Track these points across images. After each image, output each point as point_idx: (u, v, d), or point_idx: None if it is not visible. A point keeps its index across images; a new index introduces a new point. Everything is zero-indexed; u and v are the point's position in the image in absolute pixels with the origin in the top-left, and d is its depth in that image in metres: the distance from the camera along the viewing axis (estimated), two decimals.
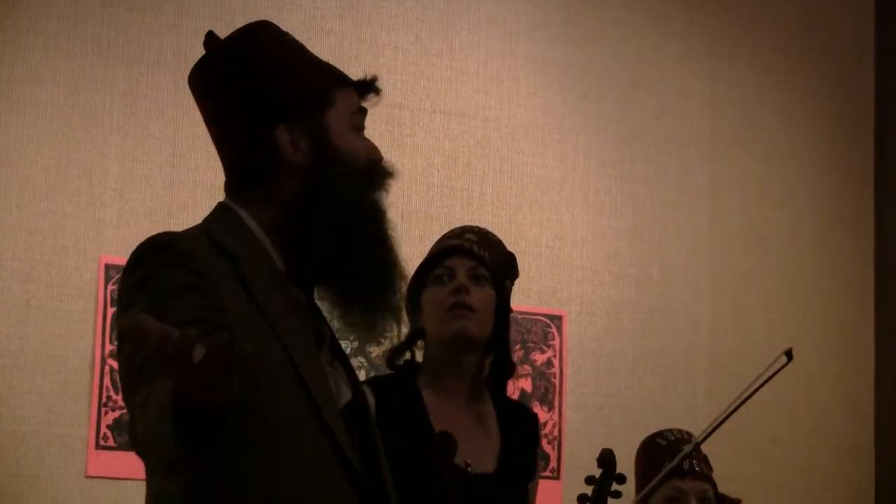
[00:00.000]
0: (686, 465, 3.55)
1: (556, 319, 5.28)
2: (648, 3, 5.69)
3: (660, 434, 3.67)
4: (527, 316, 5.21)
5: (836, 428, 5.81)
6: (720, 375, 5.59)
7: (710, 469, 3.67)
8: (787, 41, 5.95)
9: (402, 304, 2.43)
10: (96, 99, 4.73)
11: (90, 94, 4.72)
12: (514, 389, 5.15)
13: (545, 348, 5.24)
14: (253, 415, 2.11)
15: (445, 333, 3.13)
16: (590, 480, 3.14)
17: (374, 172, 2.37)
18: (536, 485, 3.28)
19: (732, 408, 3.46)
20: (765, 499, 5.53)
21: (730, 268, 5.71)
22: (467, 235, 3.25)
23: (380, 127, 5.09)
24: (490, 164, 5.30)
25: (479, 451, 3.13)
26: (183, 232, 2.27)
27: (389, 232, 2.36)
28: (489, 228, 5.24)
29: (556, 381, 5.25)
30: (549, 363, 5.24)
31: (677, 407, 5.45)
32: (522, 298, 5.20)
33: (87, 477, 4.51)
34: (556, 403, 5.23)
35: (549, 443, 5.16)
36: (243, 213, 2.31)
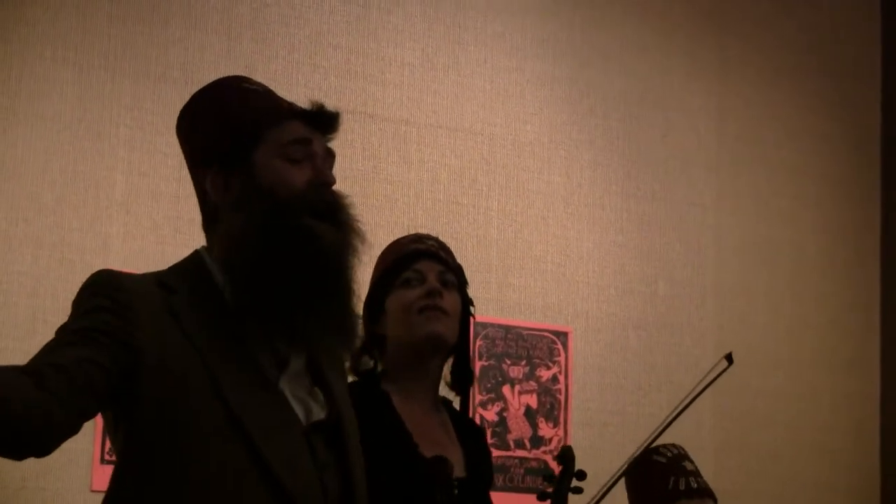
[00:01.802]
0: (694, 483, 3.56)
1: (562, 335, 5.28)
2: (655, 20, 5.70)
3: (655, 451, 3.65)
4: (532, 332, 5.21)
5: (841, 444, 5.80)
6: (725, 391, 5.58)
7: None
8: (794, 58, 5.96)
9: (356, 323, 2.48)
10: (103, 112, 4.73)
11: (97, 108, 4.73)
12: (519, 405, 5.15)
13: (551, 364, 5.24)
14: (168, 434, 2.27)
15: (419, 335, 3.07)
16: (549, 478, 3.15)
17: (308, 199, 2.43)
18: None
19: (675, 413, 3.49)
20: None
21: (735, 284, 5.71)
22: (429, 242, 3.20)
23: (386, 142, 5.09)
24: (496, 180, 5.30)
25: (449, 457, 3.11)
26: (134, 273, 2.43)
27: (331, 255, 2.41)
28: (495, 245, 5.25)
29: (562, 398, 5.24)
30: (554, 379, 5.24)
31: (682, 423, 5.43)
32: (528, 314, 5.20)
33: (93, 491, 4.51)
34: (562, 419, 5.22)
35: (553, 459, 5.15)
36: (204, 253, 2.46)
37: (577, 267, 5.39)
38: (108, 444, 4.53)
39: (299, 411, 2.40)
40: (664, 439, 3.65)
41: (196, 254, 2.48)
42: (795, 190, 5.89)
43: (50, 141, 4.65)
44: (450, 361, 3.22)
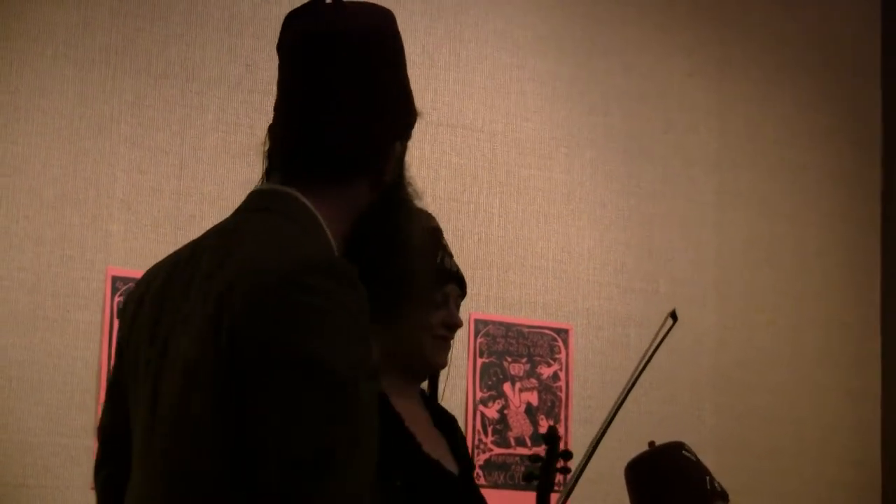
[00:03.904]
0: (717, 486, 3.58)
1: (563, 333, 5.28)
2: (656, 18, 5.70)
3: (682, 446, 3.67)
4: (533, 329, 5.21)
5: (843, 440, 5.80)
6: (726, 389, 5.59)
7: None
8: (794, 56, 5.96)
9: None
10: (104, 109, 4.73)
11: (98, 105, 4.72)
12: (520, 402, 5.15)
13: (551, 362, 5.24)
14: None
15: (428, 359, 3.04)
16: (535, 459, 3.17)
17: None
18: None
19: (634, 378, 3.57)
20: None
21: (736, 281, 5.71)
22: (450, 256, 3.15)
23: None
24: (497, 177, 5.30)
25: (443, 452, 3.09)
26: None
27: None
28: (496, 242, 5.24)
29: (563, 395, 5.24)
30: (555, 376, 5.24)
31: (683, 420, 5.45)
32: (529, 312, 5.20)
33: (93, 489, 4.50)
34: (563, 417, 5.22)
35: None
36: (315, 213, 2.18)
37: (578, 264, 5.39)
38: None
39: None
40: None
41: (311, 216, 2.16)
42: (796, 187, 5.89)
43: (51, 137, 4.65)
44: None
